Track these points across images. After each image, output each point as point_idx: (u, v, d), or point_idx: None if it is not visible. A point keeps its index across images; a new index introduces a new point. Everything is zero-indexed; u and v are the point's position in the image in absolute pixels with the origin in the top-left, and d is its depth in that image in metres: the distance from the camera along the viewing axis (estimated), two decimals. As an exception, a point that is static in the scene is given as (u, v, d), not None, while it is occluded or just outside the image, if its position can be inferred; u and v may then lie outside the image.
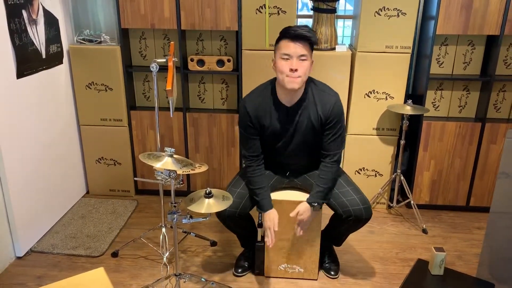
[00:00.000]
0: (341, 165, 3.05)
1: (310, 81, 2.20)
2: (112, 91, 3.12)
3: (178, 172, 1.85)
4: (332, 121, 2.17)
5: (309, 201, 2.21)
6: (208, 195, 1.88)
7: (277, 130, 2.21)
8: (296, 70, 2.03)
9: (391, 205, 3.19)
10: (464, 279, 1.75)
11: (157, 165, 1.76)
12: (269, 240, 2.18)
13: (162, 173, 1.99)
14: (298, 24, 2.05)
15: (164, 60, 2.16)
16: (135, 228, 2.95)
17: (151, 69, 2.14)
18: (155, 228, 2.72)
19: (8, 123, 2.46)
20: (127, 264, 2.59)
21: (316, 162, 2.32)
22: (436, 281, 1.73)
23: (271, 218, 2.20)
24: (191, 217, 1.92)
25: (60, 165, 3.05)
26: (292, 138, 2.24)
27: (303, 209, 2.21)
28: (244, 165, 2.33)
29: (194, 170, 2.13)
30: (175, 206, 1.92)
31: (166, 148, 1.83)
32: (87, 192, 3.43)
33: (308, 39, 2.03)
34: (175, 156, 1.87)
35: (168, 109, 3.20)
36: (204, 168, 2.14)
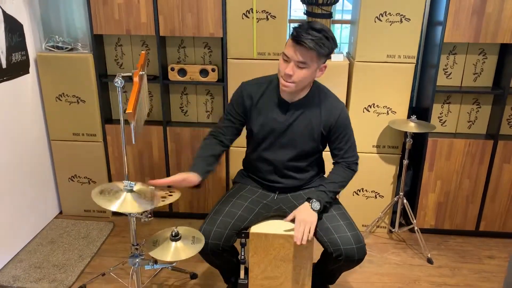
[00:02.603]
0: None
1: (317, 85, 2.00)
2: (84, 103, 2.83)
3: (139, 211, 1.56)
4: (340, 128, 2.00)
5: (308, 197, 1.95)
6: (175, 238, 1.59)
7: (272, 124, 1.99)
8: (290, 76, 1.80)
9: (393, 230, 2.89)
10: None
11: (112, 207, 1.46)
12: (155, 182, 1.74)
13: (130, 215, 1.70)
14: (317, 23, 1.75)
15: (130, 74, 1.86)
16: (108, 256, 2.66)
17: (115, 84, 1.85)
18: (125, 262, 2.43)
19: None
20: (95, 301, 2.30)
21: (307, 182, 2.13)
22: None
23: (183, 174, 1.84)
24: (155, 262, 1.62)
25: (30, 183, 2.76)
26: (287, 136, 2.00)
27: (301, 208, 1.93)
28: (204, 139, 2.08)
29: (164, 199, 1.83)
30: (136, 249, 1.63)
31: (125, 182, 1.54)
32: (60, 212, 3.14)
33: (311, 49, 1.75)
34: (136, 189, 1.58)
35: (147, 122, 2.92)
36: (175, 197, 1.84)
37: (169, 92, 2.93)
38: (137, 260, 1.62)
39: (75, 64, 2.75)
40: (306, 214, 1.91)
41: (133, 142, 1.74)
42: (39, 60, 2.76)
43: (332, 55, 2.68)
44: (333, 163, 2.09)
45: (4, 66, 2.47)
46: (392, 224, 2.91)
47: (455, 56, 2.69)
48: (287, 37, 2.41)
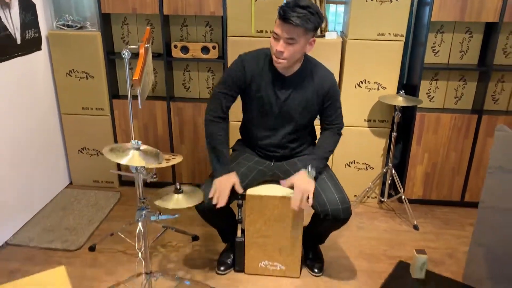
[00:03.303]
0: (330, 157, 2.94)
1: (308, 59, 2.16)
2: (93, 79, 3.01)
3: (146, 167, 1.74)
4: (332, 97, 2.17)
5: (303, 166, 2.12)
6: (178, 191, 1.78)
7: (270, 96, 2.14)
8: (281, 52, 1.96)
9: (382, 199, 3.08)
10: (446, 284, 1.64)
11: (122, 161, 1.65)
12: (215, 200, 2.04)
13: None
14: (302, 0, 1.90)
15: (136, 46, 2.04)
16: (116, 221, 2.86)
17: (123, 56, 2.02)
18: (132, 222, 2.63)
19: (-22, 112, 2.36)
20: (104, 259, 2.50)
21: (302, 148, 2.32)
22: (417, 285, 1.62)
23: (224, 182, 2.07)
24: (160, 213, 1.81)
25: (42, 155, 2.96)
26: (284, 108, 2.16)
27: (297, 177, 2.09)
28: (205, 121, 2.19)
29: (168, 161, 2.01)
30: (143, 202, 1.82)
31: (132, 141, 1.72)
32: (70, 183, 3.34)
33: (297, 25, 1.90)
34: (142, 148, 1.76)
35: (152, 98, 3.10)
36: (177, 160, 2.02)
37: (173, 69, 3.10)
38: (144, 212, 1.81)
39: (84, 42, 2.92)
40: (305, 183, 2.06)
41: (139, 107, 1.92)
42: (50, 37, 2.93)
43: (326, 33, 2.84)
44: (322, 129, 2.26)
45: (18, 42, 2.65)
46: (382, 194, 3.08)
47: (442, 35, 2.84)
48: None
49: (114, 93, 3.12)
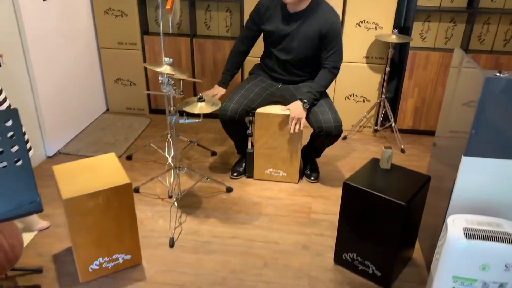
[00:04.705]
0: (332, 91, 3.39)
1: (318, 0, 2.54)
2: (127, 16, 3.46)
3: (173, 75, 2.21)
4: (331, 36, 2.55)
5: (299, 98, 2.60)
6: (200, 100, 2.27)
7: (279, 31, 2.60)
8: None
9: (377, 128, 3.52)
10: (405, 172, 2.11)
11: (158, 69, 2.13)
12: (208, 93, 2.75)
13: (166, 85, 2.36)
14: None
15: (167, -17, 2.47)
16: (148, 139, 3.39)
17: (156, -8, 2.46)
18: (163, 135, 3.16)
19: (37, 40, 2.85)
20: (140, 166, 3.05)
21: (306, 77, 2.75)
22: (382, 173, 2.09)
23: (215, 89, 2.79)
24: (187, 117, 2.31)
25: (83, 83, 3.47)
26: (290, 42, 2.60)
27: (293, 105, 2.59)
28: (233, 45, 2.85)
29: (190, 78, 2.51)
30: (174, 109, 2.32)
31: (164, 58, 2.20)
32: (107, 110, 3.88)
33: None
34: (173, 67, 2.24)
35: (176, 35, 3.55)
36: (198, 80, 2.52)
37: (195, 9, 3.52)
38: (174, 117, 2.30)
39: (119, -17, 3.36)
40: (298, 112, 2.57)
41: (170, 31, 2.38)
42: (91, -21, 3.38)
43: (331, -22, 3.20)
44: (322, 66, 2.66)
45: (65, -18, 3.10)
46: (377, 124, 3.53)
47: (435, -20, 3.18)
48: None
49: (145, 30, 3.58)
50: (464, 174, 1.86)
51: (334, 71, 2.64)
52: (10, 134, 1.50)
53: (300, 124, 2.57)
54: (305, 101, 2.56)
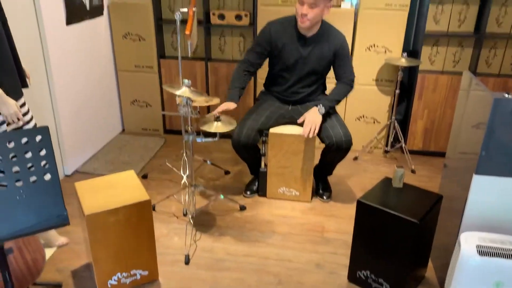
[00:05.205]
0: (342, 112, 3.46)
1: (325, 23, 2.68)
2: (145, 41, 3.60)
3: (192, 99, 2.30)
4: (342, 53, 2.69)
5: (316, 104, 2.68)
6: (217, 119, 2.35)
7: (294, 53, 2.69)
8: (305, 15, 2.50)
9: (387, 149, 3.58)
10: (417, 191, 2.15)
11: (177, 92, 2.22)
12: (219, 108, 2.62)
13: (183, 106, 2.45)
14: None
15: (186, 9, 2.59)
16: (163, 159, 3.47)
17: (176, 17, 2.58)
18: (178, 154, 3.24)
19: (59, 63, 2.98)
20: (155, 184, 3.12)
21: (315, 95, 2.84)
22: (395, 191, 2.14)
23: (226, 103, 2.65)
24: (204, 136, 2.39)
25: (101, 104, 3.59)
26: (305, 64, 2.70)
27: (309, 111, 2.66)
28: (237, 64, 2.82)
29: (208, 102, 2.59)
30: (190, 129, 2.40)
31: (184, 80, 2.29)
32: (123, 130, 3.98)
33: None
34: (191, 88, 2.33)
35: (192, 59, 3.67)
36: (215, 101, 2.60)
37: (210, 34, 3.65)
38: (191, 136, 2.38)
39: (138, 9, 3.51)
40: (313, 116, 2.65)
41: (189, 55, 2.48)
42: (111, 5, 3.53)
43: (342, 4, 3.33)
44: (336, 83, 2.78)
45: (88, 8, 3.25)
46: (387, 146, 3.58)
47: (443, 6, 3.28)
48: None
49: (161, 54, 3.71)
50: (476, 192, 1.91)
51: (351, 84, 2.76)
52: (40, 150, 1.58)
53: (315, 129, 2.63)
54: (321, 105, 2.64)
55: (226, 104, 2.64)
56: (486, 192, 1.89)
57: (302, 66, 2.73)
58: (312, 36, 2.67)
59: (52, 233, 2.44)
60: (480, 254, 1.72)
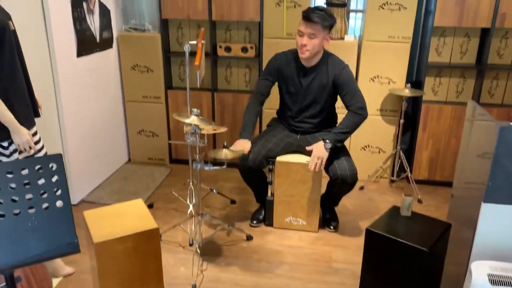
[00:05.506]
0: (347, 142, 3.49)
1: (327, 53, 2.73)
2: (153, 72, 3.67)
3: (201, 127, 2.34)
4: (345, 80, 2.68)
5: (322, 138, 2.68)
6: (226, 147, 2.38)
7: (295, 84, 2.75)
8: (305, 45, 2.55)
9: (393, 179, 3.58)
10: (425, 219, 2.15)
11: (187, 120, 2.26)
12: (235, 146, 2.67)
13: (191, 134, 2.48)
14: (317, 6, 2.61)
15: (195, 42, 2.66)
16: (168, 188, 3.48)
17: (185, 49, 2.65)
18: (185, 183, 3.24)
19: (69, 93, 3.03)
20: (161, 214, 3.12)
21: (322, 126, 2.86)
22: (403, 220, 2.13)
23: (241, 143, 2.69)
24: (212, 165, 2.41)
25: (108, 134, 3.63)
26: (307, 94, 2.75)
27: (316, 144, 2.67)
28: (249, 99, 2.91)
29: (215, 130, 2.62)
30: (199, 157, 2.42)
31: (193, 109, 2.33)
32: (129, 160, 4.01)
33: (316, 22, 2.50)
34: (200, 116, 2.37)
35: (199, 89, 3.74)
36: (222, 130, 2.63)
37: (217, 66, 3.73)
38: (199, 164, 2.40)
39: (146, 42, 3.60)
40: (320, 151, 2.65)
41: (198, 86, 2.53)
42: (120, 38, 3.62)
43: (346, 36, 3.42)
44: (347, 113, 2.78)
45: (97, 40, 3.34)
46: (393, 175, 3.59)
47: (444, 38, 3.36)
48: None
49: (169, 85, 3.78)
50: (485, 220, 1.90)
51: (359, 112, 2.68)
52: (53, 176, 1.60)
53: (321, 163, 2.64)
54: (327, 141, 2.64)
55: (242, 144, 2.69)
56: (495, 221, 1.89)
57: (303, 97, 2.78)
58: (312, 66, 2.72)
59: (59, 262, 2.42)
60: (492, 284, 1.70)
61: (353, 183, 2.68)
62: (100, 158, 3.51)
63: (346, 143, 3.49)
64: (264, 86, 2.84)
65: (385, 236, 2.00)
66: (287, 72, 2.77)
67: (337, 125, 2.83)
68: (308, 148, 2.73)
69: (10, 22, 1.98)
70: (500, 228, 1.90)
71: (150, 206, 3.19)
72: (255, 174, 2.78)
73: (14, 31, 2.00)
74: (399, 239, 1.96)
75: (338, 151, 2.74)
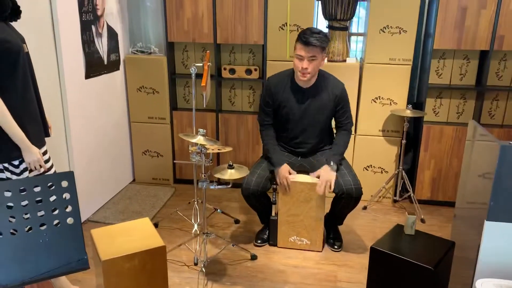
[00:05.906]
0: (350, 161, 3.53)
1: (320, 72, 2.78)
2: (158, 94, 3.74)
3: (206, 147, 2.39)
4: (342, 101, 2.79)
5: (326, 159, 2.75)
6: (230, 167, 2.41)
7: (293, 106, 2.78)
8: (306, 69, 2.61)
9: (396, 199, 3.60)
10: (429, 238, 2.17)
11: (193, 140, 2.31)
12: (285, 189, 2.74)
13: (195, 155, 2.53)
14: (310, 28, 2.64)
15: (201, 64, 2.73)
16: (173, 208, 3.50)
17: (191, 71, 2.72)
18: (189, 203, 3.27)
19: (76, 114, 3.09)
20: (166, 233, 3.13)
21: (322, 145, 2.91)
22: (407, 238, 2.15)
23: (282, 172, 2.72)
24: (217, 184, 2.45)
25: (113, 154, 3.67)
26: (306, 115, 2.79)
27: (322, 170, 2.72)
28: (260, 130, 2.96)
29: (221, 149, 2.67)
30: (204, 176, 2.46)
31: (199, 129, 2.38)
32: (134, 180, 4.04)
33: (316, 46, 2.57)
34: (206, 136, 2.42)
35: (203, 110, 3.80)
36: (228, 149, 2.68)
37: (221, 87, 3.80)
38: (205, 183, 2.44)
39: (152, 64, 3.68)
40: (328, 175, 2.70)
41: (204, 106, 2.59)
42: (127, 60, 3.71)
43: (347, 59, 3.50)
44: (336, 129, 2.89)
45: (105, 62, 3.42)
46: (396, 195, 3.61)
47: (444, 61, 3.43)
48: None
49: (174, 106, 3.84)
50: (489, 238, 1.92)
51: (351, 130, 2.88)
52: (64, 194, 1.64)
53: (330, 186, 2.69)
54: (332, 164, 2.70)
55: (285, 171, 2.75)
56: (499, 238, 1.91)
57: (302, 119, 2.81)
58: (309, 87, 2.77)
59: (65, 281, 2.43)
60: (497, 301, 1.72)
61: (358, 197, 2.71)
62: (105, 178, 3.55)
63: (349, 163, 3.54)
64: (268, 114, 2.87)
65: (389, 254, 2.02)
66: (283, 96, 2.79)
67: (334, 144, 2.87)
68: (313, 174, 2.78)
69: (24, 45, 2.05)
70: (503, 246, 1.92)
71: (155, 226, 3.20)
72: (259, 197, 2.80)
73: (28, 54, 2.07)
74: (403, 257, 1.98)
75: (341, 167, 2.78)
